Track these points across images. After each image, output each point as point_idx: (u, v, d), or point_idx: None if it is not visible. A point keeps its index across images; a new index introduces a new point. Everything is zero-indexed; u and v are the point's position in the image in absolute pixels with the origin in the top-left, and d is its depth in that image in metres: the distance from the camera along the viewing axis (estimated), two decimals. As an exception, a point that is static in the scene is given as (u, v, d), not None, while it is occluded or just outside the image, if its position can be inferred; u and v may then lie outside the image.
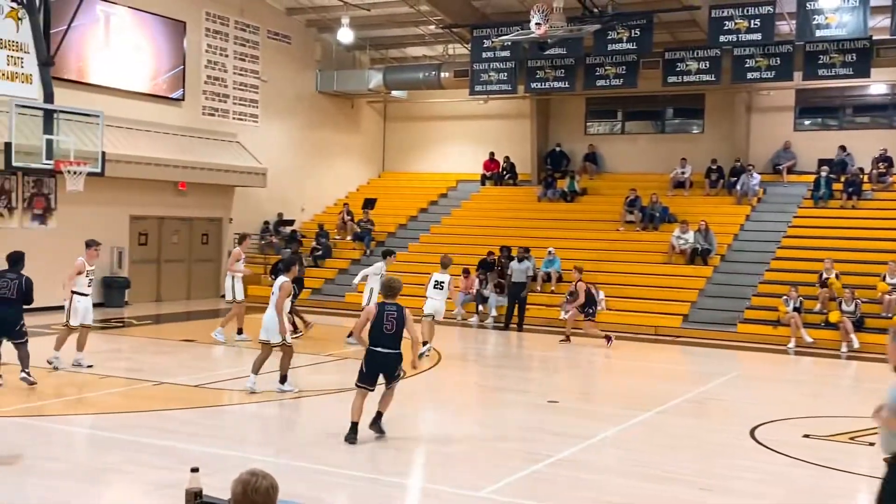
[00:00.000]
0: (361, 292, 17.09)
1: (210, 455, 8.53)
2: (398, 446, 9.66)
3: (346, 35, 25.61)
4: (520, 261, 20.10)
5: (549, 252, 21.55)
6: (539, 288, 21.23)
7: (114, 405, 10.97)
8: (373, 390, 9.57)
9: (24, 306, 11.87)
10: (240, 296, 16.20)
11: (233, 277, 16.25)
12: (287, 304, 12.07)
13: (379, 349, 9.44)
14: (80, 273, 13.10)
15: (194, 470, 4.56)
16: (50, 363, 12.89)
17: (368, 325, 9.43)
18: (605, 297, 20.49)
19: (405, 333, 9.54)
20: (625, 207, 23.96)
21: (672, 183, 25.23)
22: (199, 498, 4.47)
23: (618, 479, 8.53)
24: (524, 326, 19.83)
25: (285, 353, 11.79)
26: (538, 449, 9.48)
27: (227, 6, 24.65)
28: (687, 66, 22.90)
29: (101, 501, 7.73)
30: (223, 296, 16.71)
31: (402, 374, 9.82)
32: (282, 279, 11.83)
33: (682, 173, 25.19)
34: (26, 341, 11.91)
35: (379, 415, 9.67)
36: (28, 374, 11.83)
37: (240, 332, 16.39)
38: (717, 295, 20.54)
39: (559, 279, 21.33)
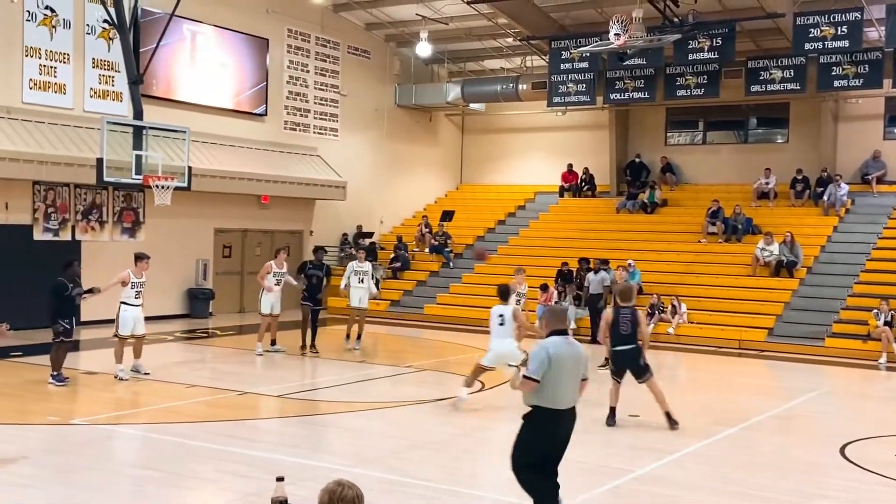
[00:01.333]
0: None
1: (295, 465, 8.66)
2: (480, 459, 9.65)
3: (424, 49, 25.83)
4: (596, 272, 19.94)
5: (629, 264, 21.27)
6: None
7: (199, 414, 11.24)
8: (620, 382, 11.07)
9: (65, 309, 12.72)
10: (265, 309, 16.24)
11: (262, 290, 16.34)
12: None
13: (619, 348, 10.96)
14: (124, 284, 13.38)
15: (280, 479, 4.64)
16: (116, 377, 13.15)
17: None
18: (688, 309, 20.15)
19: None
20: (707, 219, 23.52)
21: (756, 194, 24.68)
22: (285, 507, 4.55)
23: (701, 496, 8.35)
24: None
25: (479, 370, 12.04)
26: (619, 464, 9.35)
27: (309, 23, 25.13)
28: (771, 74, 22.45)
29: (189, 508, 7.91)
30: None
31: (649, 370, 11.06)
32: (510, 308, 11.94)
33: (767, 184, 24.62)
34: (54, 342, 12.62)
35: (666, 414, 10.89)
36: (53, 377, 12.53)
37: (273, 342, 16.47)
38: (804, 308, 19.98)
39: (640, 292, 21.05)
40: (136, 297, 13.44)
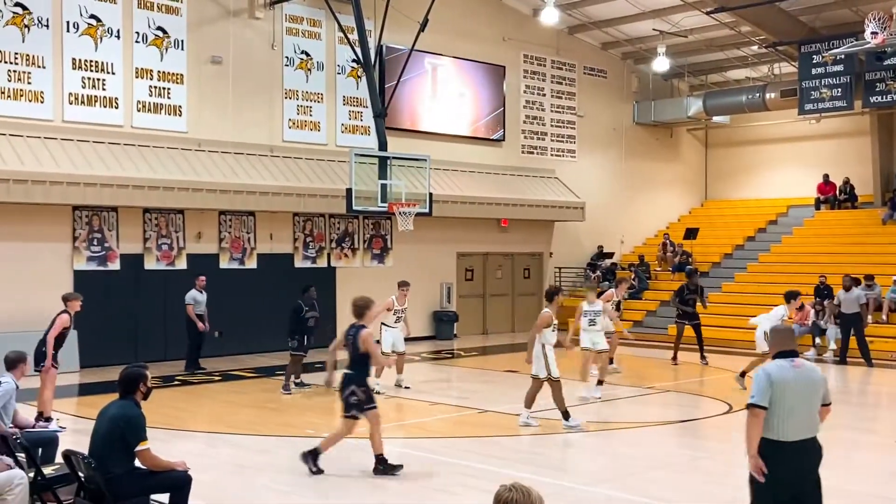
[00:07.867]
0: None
1: (534, 482, 8.56)
2: (718, 482, 9.15)
3: (662, 64, 25.27)
4: (847, 290, 18.27)
5: (895, 280, 19.51)
6: (885, 318, 19.25)
7: (443, 430, 11.52)
8: None
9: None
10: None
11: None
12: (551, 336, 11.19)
13: None
14: (388, 310, 14.37)
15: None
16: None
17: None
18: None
19: None
20: None
21: None
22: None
23: None
24: (872, 361, 17.87)
25: (554, 388, 11.23)
26: (894, 495, 8.50)
27: (544, 47, 25.36)
28: None
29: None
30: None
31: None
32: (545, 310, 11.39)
33: None
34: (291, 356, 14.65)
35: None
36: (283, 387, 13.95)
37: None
38: None
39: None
40: (395, 322, 14.49)
